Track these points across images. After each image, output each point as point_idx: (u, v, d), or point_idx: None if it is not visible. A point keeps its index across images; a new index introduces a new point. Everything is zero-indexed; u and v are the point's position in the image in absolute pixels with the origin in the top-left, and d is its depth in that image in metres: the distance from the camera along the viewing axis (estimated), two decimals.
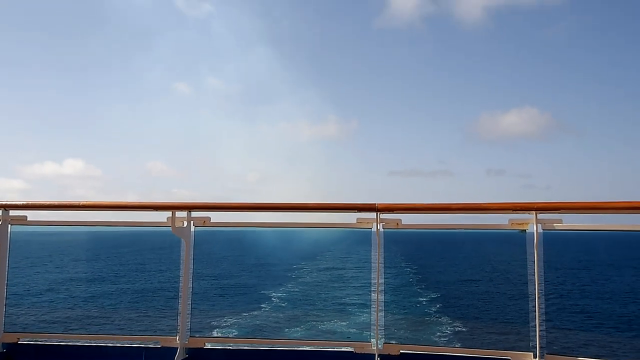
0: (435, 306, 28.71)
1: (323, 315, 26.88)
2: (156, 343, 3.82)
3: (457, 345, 20.02)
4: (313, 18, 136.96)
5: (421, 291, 34.23)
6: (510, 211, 3.48)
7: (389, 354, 3.55)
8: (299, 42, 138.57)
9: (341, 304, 30.07)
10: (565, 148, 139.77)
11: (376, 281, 3.62)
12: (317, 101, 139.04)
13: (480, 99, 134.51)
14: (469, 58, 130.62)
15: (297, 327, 23.88)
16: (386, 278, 3.75)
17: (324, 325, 24.10)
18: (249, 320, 24.40)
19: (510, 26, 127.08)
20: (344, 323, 24.40)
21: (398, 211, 3.55)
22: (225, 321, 24.11)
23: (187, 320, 3.79)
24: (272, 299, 30.88)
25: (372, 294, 3.65)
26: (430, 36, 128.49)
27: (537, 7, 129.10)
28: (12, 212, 3.88)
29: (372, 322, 3.62)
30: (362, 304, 28.75)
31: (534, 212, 3.39)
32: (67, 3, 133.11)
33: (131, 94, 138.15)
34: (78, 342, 4.06)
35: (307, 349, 3.97)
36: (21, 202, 3.88)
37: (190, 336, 3.79)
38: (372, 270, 3.67)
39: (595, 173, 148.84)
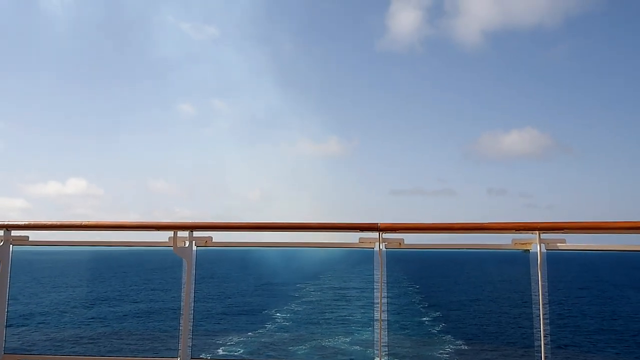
0: (439, 325, 28.46)
1: (327, 333, 26.74)
2: None
3: None
4: (315, 41, 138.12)
5: (424, 310, 33.98)
6: (513, 231, 3.42)
7: None
8: (301, 64, 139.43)
9: (345, 322, 29.87)
10: (565, 168, 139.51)
11: (379, 300, 3.56)
12: (319, 120, 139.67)
13: (480, 119, 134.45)
14: (468, 79, 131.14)
15: (302, 345, 23.76)
16: (389, 297, 3.69)
17: (328, 342, 24.00)
18: (253, 339, 24.25)
19: (508, 49, 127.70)
20: (348, 339, 24.37)
21: (400, 231, 3.50)
22: (230, 339, 23.99)
23: (189, 341, 3.73)
24: (277, 319, 30.69)
25: (375, 313, 3.59)
26: (431, 58, 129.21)
27: (535, 31, 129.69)
28: (14, 232, 3.86)
29: (375, 341, 3.56)
30: (365, 322, 28.57)
31: (537, 232, 3.34)
32: (87, 26, 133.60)
33: (137, 115, 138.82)
34: None
35: None
36: (23, 222, 3.84)
37: (191, 357, 3.73)
38: (375, 290, 3.62)
39: (595, 193, 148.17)
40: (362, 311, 32.98)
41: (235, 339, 24.10)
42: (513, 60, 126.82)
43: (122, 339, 26.03)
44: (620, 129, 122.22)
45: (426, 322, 29.41)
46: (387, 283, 3.59)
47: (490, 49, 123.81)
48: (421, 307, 35.63)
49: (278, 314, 32.00)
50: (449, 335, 25.29)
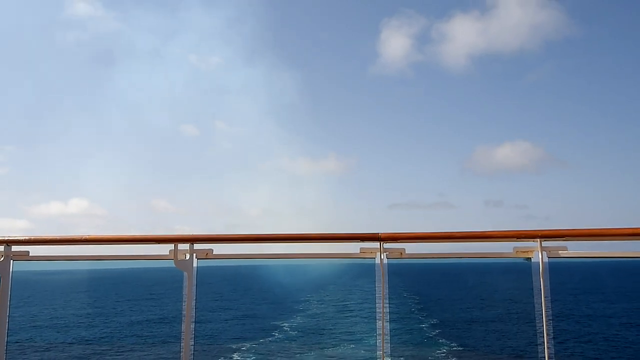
0: (436, 331, 28.25)
1: (332, 342, 26.61)
2: None
3: None
4: (314, 64, 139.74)
5: (423, 318, 33.77)
6: (515, 239, 3.27)
7: None
8: (301, 87, 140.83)
9: (348, 333, 29.68)
10: (560, 180, 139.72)
11: (381, 310, 3.41)
12: (318, 138, 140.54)
13: (474, 134, 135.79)
14: (459, 97, 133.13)
15: (309, 353, 23.72)
16: (390, 308, 3.53)
17: (334, 349, 23.97)
18: (260, 349, 24.14)
19: (495, 70, 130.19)
20: (353, 346, 24.33)
21: (401, 240, 3.33)
22: (240, 346, 23.89)
23: (190, 355, 3.56)
24: (282, 330, 30.47)
25: (377, 323, 3.43)
26: (421, 80, 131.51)
27: (518, 54, 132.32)
28: (15, 248, 3.72)
29: (377, 351, 3.41)
30: (367, 333, 28.36)
31: (538, 239, 3.19)
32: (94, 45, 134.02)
33: (138, 136, 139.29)
34: None
35: None
36: (23, 238, 3.69)
37: None
38: (377, 300, 3.46)
39: (591, 204, 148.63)
40: (364, 322, 32.79)
41: (247, 345, 24.04)
42: (500, 80, 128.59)
43: (124, 355, 25.67)
44: (613, 140, 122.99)
45: (424, 328, 29.28)
46: (388, 294, 3.43)
47: (476, 72, 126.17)
48: (420, 316, 35.43)
49: (285, 325, 31.79)
50: (447, 347, 25.14)
